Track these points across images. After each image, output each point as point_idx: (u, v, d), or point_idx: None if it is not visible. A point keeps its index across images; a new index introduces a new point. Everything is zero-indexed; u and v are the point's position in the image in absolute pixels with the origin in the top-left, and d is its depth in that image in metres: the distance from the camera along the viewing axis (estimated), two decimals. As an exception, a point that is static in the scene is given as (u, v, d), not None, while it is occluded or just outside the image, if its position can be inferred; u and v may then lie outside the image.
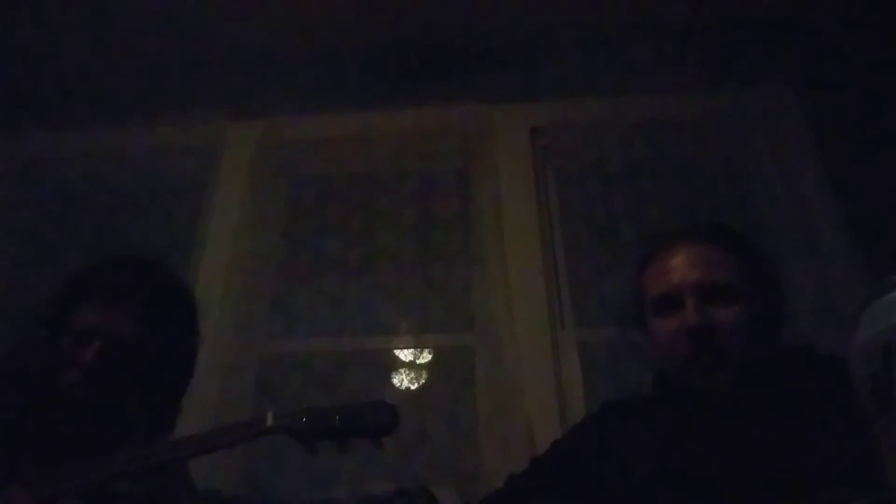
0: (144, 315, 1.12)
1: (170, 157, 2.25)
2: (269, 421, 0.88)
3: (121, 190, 2.25)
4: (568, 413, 1.67)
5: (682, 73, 2.16)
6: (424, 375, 1.89)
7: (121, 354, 1.08)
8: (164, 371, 1.16)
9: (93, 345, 1.07)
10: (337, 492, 1.66)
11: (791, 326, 1.33)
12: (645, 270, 1.21)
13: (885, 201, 1.84)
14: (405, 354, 1.92)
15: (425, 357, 1.92)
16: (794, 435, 0.97)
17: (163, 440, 1.01)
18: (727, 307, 1.08)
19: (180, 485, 1.09)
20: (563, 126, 2.17)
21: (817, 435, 0.95)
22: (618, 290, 1.77)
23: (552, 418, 1.64)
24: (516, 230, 1.94)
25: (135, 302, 1.12)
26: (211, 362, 1.74)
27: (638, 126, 2.12)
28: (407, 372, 1.89)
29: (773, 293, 1.15)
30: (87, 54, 2.31)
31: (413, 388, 1.87)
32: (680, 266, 1.14)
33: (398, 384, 1.88)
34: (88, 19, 2.21)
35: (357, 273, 2.00)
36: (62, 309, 1.12)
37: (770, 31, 2.19)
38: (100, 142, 2.27)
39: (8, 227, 2.14)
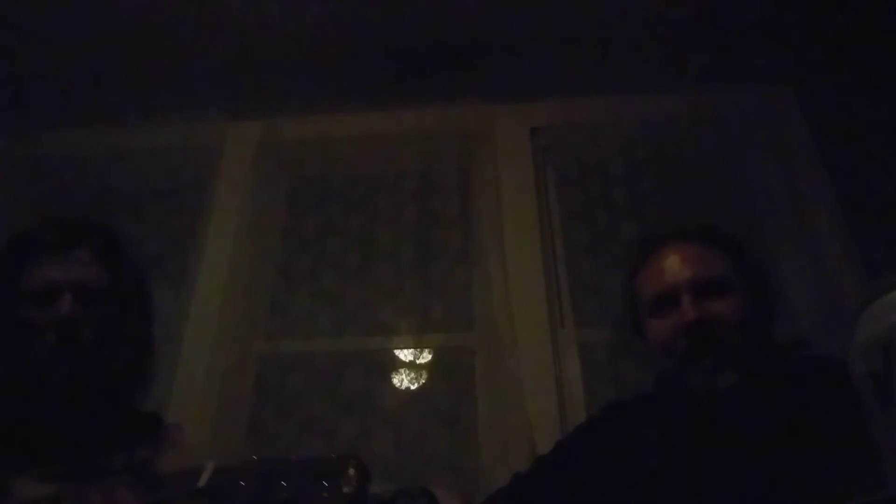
0: (100, 260, 1.09)
1: (170, 157, 2.25)
2: (203, 480, 0.72)
3: (121, 190, 2.25)
4: (568, 413, 1.67)
5: (682, 73, 2.16)
6: (424, 375, 1.89)
7: (93, 301, 1.05)
8: (134, 314, 1.13)
9: (64, 297, 1.02)
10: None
11: (791, 326, 1.33)
12: (637, 275, 1.22)
13: (885, 201, 1.84)
14: (405, 354, 1.92)
15: (425, 357, 1.92)
16: (794, 433, 0.98)
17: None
18: (722, 300, 1.10)
19: None
20: (563, 126, 2.17)
21: (816, 433, 0.95)
22: (618, 290, 1.77)
23: (552, 418, 1.64)
24: (516, 230, 1.94)
25: (88, 249, 1.09)
26: (211, 362, 1.74)
27: (638, 126, 2.12)
28: (407, 372, 1.89)
29: (764, 287, 1.16)
30: (87, 54, 2.31)
31: (413, 388, 1.87)
32: (672, 266, 1.15)
33: (398, 384, 1.88)
34: (88, 19, 2.21)
35: (357, 273, 2.00)
36: (8, 276, 1.06)
37: (770, 31, 2.19)
38: (100, 142, 2.27)
39: (8, 227, 2.13)
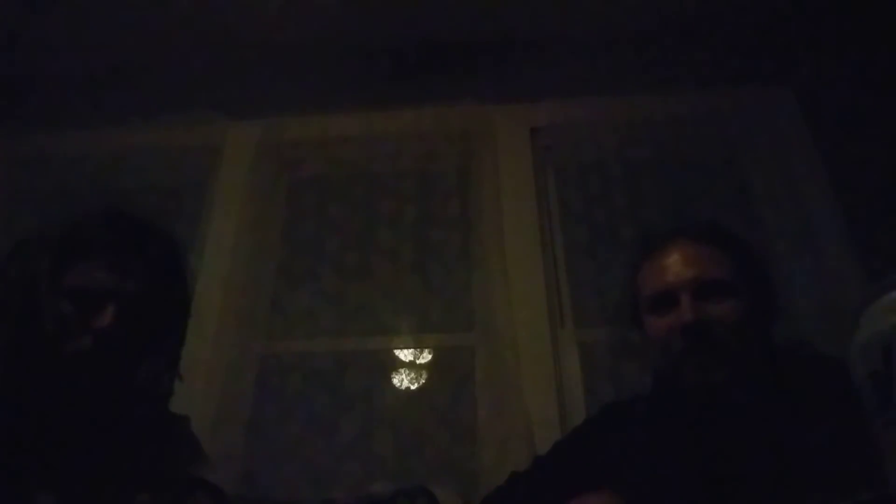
0: (155, 273, 1.04)
1: (170, 157, 2.25)
2: None
3: (121, 190, 2.25)
4: (568, 413, 1.67)
5: (682, 74, 2.16)
6: (424, 375, 1.89)
7: (135, 317, 1.00)
8: (171, 329, 1.09)
9: (108, 308, 0.97)
10: (337, 492, 1.66)
11: (791, 326, 1.33)
12: (639, 270, 1.22)
13: (885, 201, 1.84)
14: (405, 354, 1.92)
15: (425, 357, 1.92)
16: (791, 432, 0.98)
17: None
18: (721, 303, 1.09)
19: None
20: (563, 126, 2.17)
21: (814, 432, 0.95)
22: (618, 290, 1.77)
23: (552, 418, 1.64)
24: (516, 230, 1.94)
25: (141, 260, 1.03)
26: (211, 362, 1.74)
27: (638, 126, 2.12)
28: (407, 372, 1.89)
29: (766, 289, 1.16)
30: (87, 54, 2.32)
31: (413, 388, 1.87)
32: (674, 264, 1.14)
33: (398, 384, 1.88)
34: (89, 19, 2.21)
35: (357, 273, 2.00)
36: (53, 268, 0.99)
37: (769, 31, 2.19)
38: (100, 142, 2.27)
39: (8, 227, 2.14)
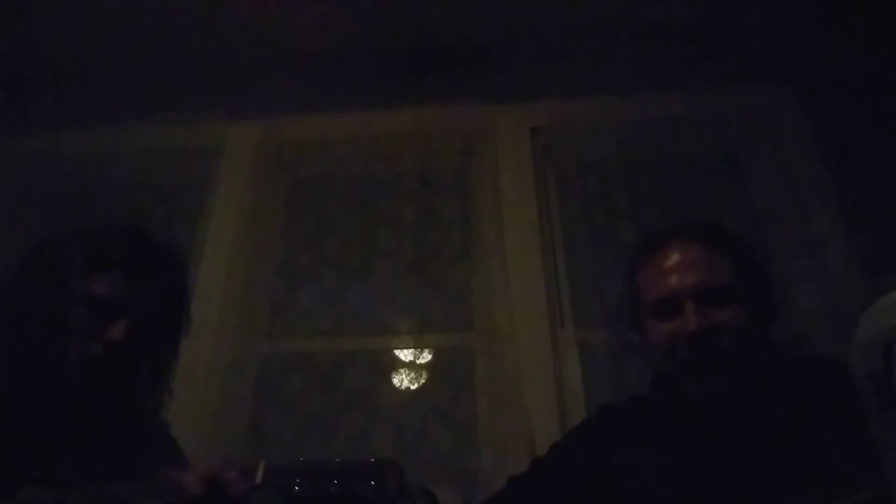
0: (162, 293, 1.08)
1: (170, 157, 2.25)
2: (259, 477, 0.78)
3: (121, 190, 2.25)
4: (568, 413, 1.67)
5: (682, 73, 2.16)
6: (424, 375, 1.89)
7: (145, 332, 1.04)
8: (171, 345, 1.13)
9: (121, 321, 1.01)
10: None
11: (791, 326, 1.33)
12: (639, 272, 1.21)
13: (885, 201, 1.84)
14: (405, 354, 1.92)
15: (425, 357, 1.92)
16: (791, 434, 0.97)
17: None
18: (724, 309, 1.08)
19: None
20: (563, 126, 2.17)
21: (815, 433, 0.95)
22: (618, 290, 1.77)
23: (552, 418, 1.64)
24: (516, 230, 1.94)
25: (155, 279, 1.07)
26: (211, 362, 1.74)
27: (637, 126, 2.12)
28: (407, 372, 1.89)
29: (765, 289, 1.16)
30: (87, 54, 2.32)
31: (413, 388, 1.87)
32: (676, 269, 1.13)
33: (398, 384, 1.88)
34: (88, 19, 2.21)
35: (357, 273, 2.00)
36: (75, 274, 1.03)
37: (769, 31, 2.19)
38: (100, 142, 2.27)
39: (8, 227, 2.14)
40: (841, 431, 0.87)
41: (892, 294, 0.56)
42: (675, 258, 1.14)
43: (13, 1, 2.16)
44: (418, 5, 2.19)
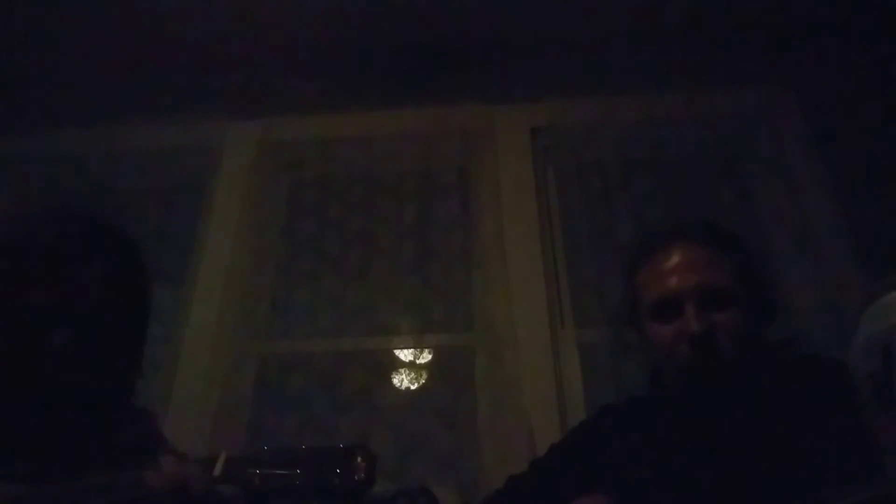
0: (106, 284, 0.96)
1: (170, 157, 2.25)
2: (218, 470, 0.74)
3: (121, 190, 2.25)
4: (568, 413, 1.67)
5: (682, 74, 2.16)
6: (424, 375, 1.89)
7: (94, 330, 0.93)
8: (130, 334, 1.03)
9: (61, 327, 0.91)
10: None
11: (791, 326, 1.33)
12: (639, 272, 1.20)
13: (885, 201, 1.84)
14: (405, 354, 1.92)
15: (425, 357, 1.92)
16: (791, 434, 0.97)
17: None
18: (725, 311, 1.08)
19: None
20: (563, 126, 2.17)
21: (814, 434, 0.95)
22: (618, 290, 1.77)
23: (552, 418, 1.64)
24: (516, 230, 1.94)
25: (95, 270, 0.95)
26: (211, 362, 1.74)
27: (638, 126, 2.12)
28: (407, 372, 1.89)
29: (765, 290, 1.16)
30: (87, 54, 2.32)
31: (413, 388, 1.87)
32: (676, 270, 1.13)
33: (398, 384, 1.88)
34: (88, 19, 2.21)
35: (357, 273, 2.00)
36: (7, 283, 0.92)
37: (769, 32, 2.19)
38: (100, 142, 2.27)
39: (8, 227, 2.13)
40: (841, 431, 0.87)
41: (892, 294, 0.56)
42: (675, 259, 1.14)
43: (14, 2, 2.16)
44: (418, 5, 2.19)
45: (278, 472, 0.74)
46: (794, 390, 1.04)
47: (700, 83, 2.14)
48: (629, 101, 2.14)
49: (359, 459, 0.75)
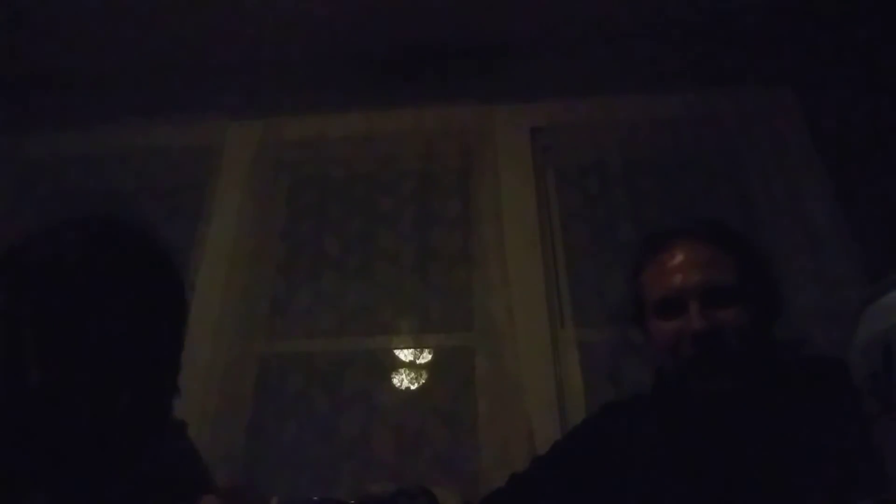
0: (139, 301, 0.92)
1: (170, 157, 2.25)
2: None
3: (121, 190, 2.25)
4: (568, 413, 1.67)
5: (682, 73, 2.16)
6: (424, 375, 1.89)
7: (124, 350, 0.87)
8: (173, 350, 1.00)
9: (95, 345, 0.83)
10: (337, 492, 1.66)
11: (791, 326, 1.33)
12: (643, 270, 1.20)
13: (885, 201, 1.84)
14: (405, 354, 1.92)
15: (425, 357, 1.92)
16: (792, 434, 0.98)
17: None
18: (729, 309, 1.08)
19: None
20: (563, 126, 2.17)
21: (815, 434, 0.95)
22: (618, 290, 1.77)
23: (552, 418, 1.64)
24: (516, 230, 1.94)
25: (126, 288, 0.90)
26: (211, 362, 1.74)
27: (638, 126, 2.12)
28: (407, 372, 1.89)
29: (769, 289, 1.16)
30: (87, 54, 2.32)
31: (413, 388, 1.87)
32: (680, 268, 1.13)
33: (398, 384, 1.88)
34: (88, 19, 2.21)
35: (357, 273, 2.00)
36: (25, 298, 0.85)
37: (770, 31, 2.19)
38: (100, 142, 2.27)
39: (8, 227, 2.14)
40: (841, 432, 0.87)
41: (892, 294, 0.56)
42: (680, 257, 1.14)
43: (13, 1, 2.16)
44: (419, 5, 2.19)
45: None
46: (797, 389, 1.04)
47: (700, 83, 2.14)
48: (629, 101, 2.14)
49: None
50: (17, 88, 2.32)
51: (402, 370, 1.90)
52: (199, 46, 2.30)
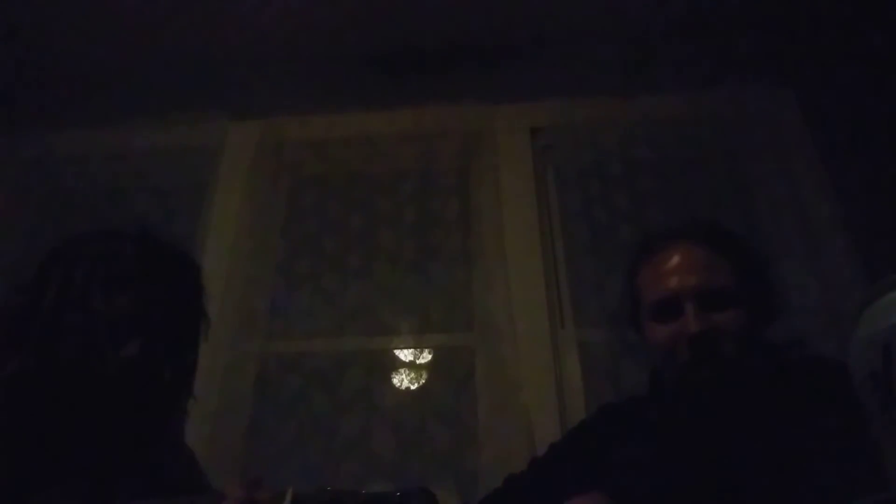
0: (177, 306, 1.05)
1: (170, 157, 2.25)
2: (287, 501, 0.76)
3: (121, 190, 2.25)
4: (568, 413, 1.67)
5: (682, 73, 2.16)
6: (424, 375, 1.89)
7: (160, 348, 1.00)
8: (189, 353, 1.09)
9: (136, 339, 0.97)
10: (337, 492, 1.65)
11: (791, 326, 1.33)
12: (639, 272, 1.20)
13: (885, 201, 1.84)
14: (405, 354, 1.92)
15: (425, 357, 1.92)
16: (791, 434, 0.97)
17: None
18: (725, 312, 1.08)
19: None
20: (563, 126, 2.17)
21: (814, 434, 0.95)
22: (618, 290, 1.77)
23: (552, 418, 1.64)
24: (516, 230, 1.94)
25: (172, 290, 1.04)
26: (211, 362, 1.74)
27: (638, 126, 2.12)
28: (407, 372, 1.89)
29: (766, 291, 1.15)
30: (87, 54, 2.32)
31: (413, 388, 1.87)
32: (676, 270, 1.13)
33: (398, 384, 1.88)
34: (88, 19, 2.21)
35: (357, 273, 2.00)
36: (90, 291, 0.99)
37: (770, 31, 2.19)
38: (100, 142, 2.27)
39: (8, 227, 2.14)
40: (841, 433, 0.86)
41: (892, 294, 0.56)
42: (676, 259, 1.14)
43: (13, 2, 2.16)
44: (419, 5, 2.19)
45: None
46: (794, 391, 1.04)
47: (700, 83, 2.14)
48: (629, 101, 2.14)
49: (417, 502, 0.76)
50: (17, 88, 2.32)
51: (402, 370, 1.90)
52: (199, 46, 2.30)
